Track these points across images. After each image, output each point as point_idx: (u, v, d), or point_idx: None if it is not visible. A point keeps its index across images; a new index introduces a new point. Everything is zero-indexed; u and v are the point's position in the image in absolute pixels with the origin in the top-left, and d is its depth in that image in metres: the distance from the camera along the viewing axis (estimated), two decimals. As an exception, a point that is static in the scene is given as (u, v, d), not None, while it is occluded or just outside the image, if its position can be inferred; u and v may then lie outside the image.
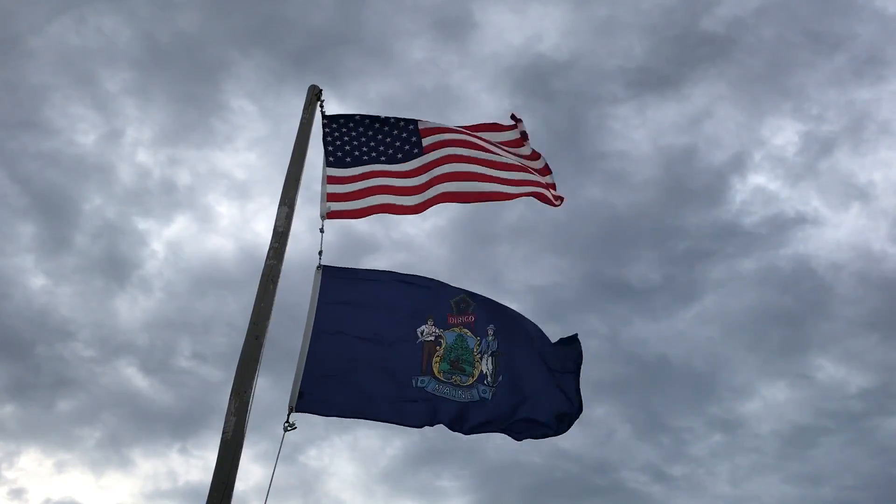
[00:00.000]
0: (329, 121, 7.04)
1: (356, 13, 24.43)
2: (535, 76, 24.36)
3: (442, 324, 6.12)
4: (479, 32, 25.33)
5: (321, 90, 7.09)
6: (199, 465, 20.98)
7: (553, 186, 7.27)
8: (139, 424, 21.97)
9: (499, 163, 7.07)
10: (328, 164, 6.84)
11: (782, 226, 25.26)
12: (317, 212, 6.52)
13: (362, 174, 6.83)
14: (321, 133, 6.97)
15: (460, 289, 6.33)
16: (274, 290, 5.62)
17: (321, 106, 7.04)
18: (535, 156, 7.37)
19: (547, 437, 6.15)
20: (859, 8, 26.21)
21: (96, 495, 21.62)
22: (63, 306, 21.99)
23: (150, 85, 24.08)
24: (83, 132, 22.62)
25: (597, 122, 24.63)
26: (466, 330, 6.13)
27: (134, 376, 22.15)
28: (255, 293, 5.59)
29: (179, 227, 24.95)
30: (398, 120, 7.15)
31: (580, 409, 6.13)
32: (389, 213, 6.78)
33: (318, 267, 6.09)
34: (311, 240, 6.31)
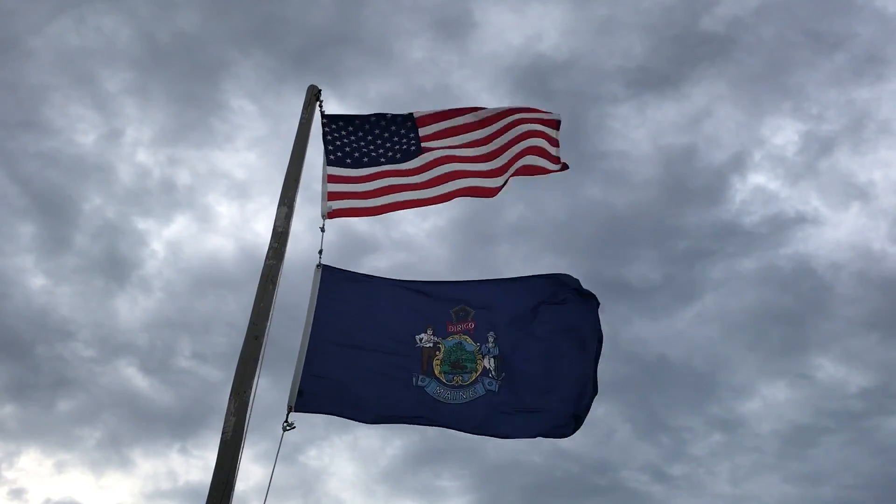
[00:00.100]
0: (328, 120, 7.05)
1: (356, 13, 24.45)
2: (535, 76, 24.36)
3: (441, 333, 6.07)
4: (479, 32, 25.36)
5: (320, 90, 7.09)
6: (200, 465, 21.01)
7: (557, 147, 7.02)
8: (139, 424, 22.00)
9: (488, 154, 7.03)
10: (328, 162, 6.84)
11: (782, 225, 25.29)
12: (317, 212, 6.53)
13: (369, 175, 6.84)
14: (321, 133, 6.98)
15: (460, 296, 6.25)
16: (273, 290, 5.62)
17: (320, 106, 7.05)
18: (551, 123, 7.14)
19: (565, 436, 5.96)
20: (859, 7, 26.24)
21: (96, 495, 21.65)
22: (63, 306, 22.01)
23: (149, 85, 24.11)
24: (83, 132, 22.66)
25: (597, 121, 24.64)
26: (466, 336, 6.08)
27: (134, 376, 22.18)
28: (255, 293, 5.60)
29: (179, 226, 24.97)
30: (395, 116, 7.15)
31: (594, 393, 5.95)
32: (405, 208, 6.78)
33: (317, 266, 6.10)
34: (310, 240, 6.32)
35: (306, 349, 5.71)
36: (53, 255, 22.37)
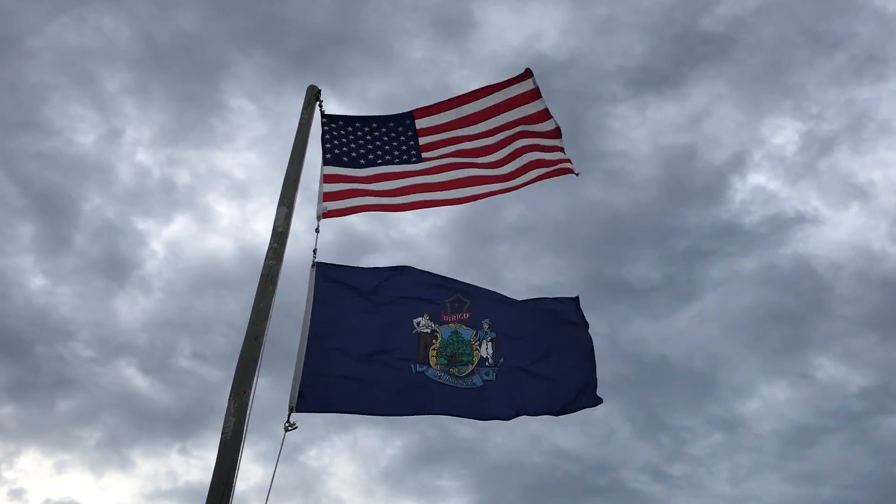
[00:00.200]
0: (328, 120, 7.06)
1: (355, 13, 24.44)
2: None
3: (437, 320, 6.14)
4: (479, 32, 25.33)
5: (320, 90, 7.10)
6: (200, 466, 21.00)
7: (562, 153, 7.04)
8: (139, 425, 21.98)
9: (499, 160, 7.05)
10: (325, 162, 6.85)
11: (782, 225, 25.27)
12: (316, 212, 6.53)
13: (361, 177, 6.84)
14: (320, 133, 6.99)
15: (455, 284, 6.34)
16: (273, 291, 5.62)
17: (320, 106, 7.06)
18: (544, 116, 7.21)
19: (568, 412, 6.00)
20: (859, 7, 26.21)
21: (96, 496, 21.63)
22: (63, 306, 22.00)
23: (149, 85, 24.09)
24: (82, 132, 22.63)
25: (596, 121, 24.62)
26: (462, 325, 6.15)
27: (134, 376, 22.17)
28: (255, 293, 5.59)
29: (179, 226, 24.94)
30: (395, 119, 7.16)
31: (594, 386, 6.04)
32: (380, 210, 6.80)
33: (312, 265, 6.11)
34: (310, 240, 6.31)
35: (305, 349, 5.71)
36: (53, 255, 22.39)
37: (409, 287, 6.29)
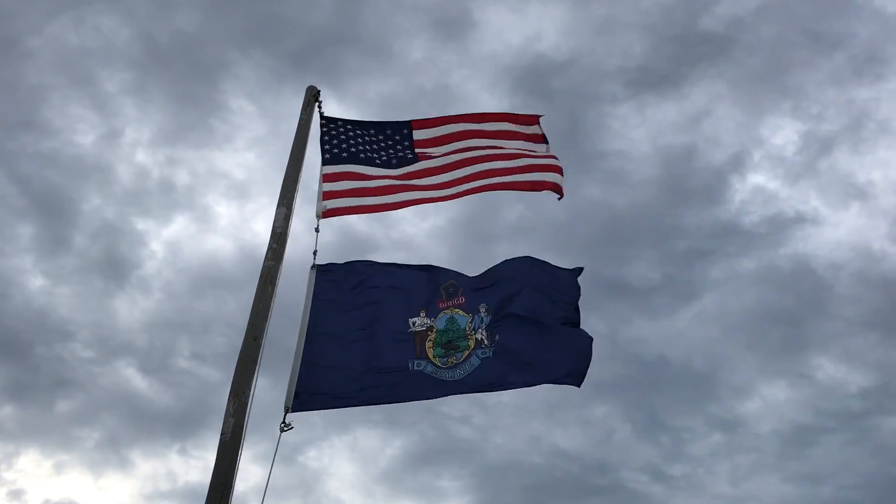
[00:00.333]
0: (327, 121, 7.07)
1: (355, 13, 24.44)
2: (535, 75, 24.32)
3: (433, 312, 6.16)
4: (479, 32, 25.33)
5: (319, 91, 7.11)
6: (199, 466, 20.99)
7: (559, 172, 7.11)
8: (138, 425, 21.98)
9: (500, 155, 7.06)
10: (324, 161, 6.86)
11: (782, 225, 25.27)
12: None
13: (357, 174, 6.85)
14: (319, 134, 7.00)
15: (450, 272, 6.35)
16: (272, 291, 5.62)
17: (319, 107, 7.07)
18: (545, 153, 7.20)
19: (560, 383, 5.95)
20: (858, 7, 26.22)
21: (95, 496, 21.62)
22: (62, 307, 21.99)
23: (148, 85, 24.08)
24: (82, 132, 22.63)
25: (596, 121, 24.64)
26: (458, 310, 6.16)
27: (133, 377, 22.17)
28: (254, 294, 5.59)
29: (178, 227, 24.92)
30: (393, 126, 7.19)
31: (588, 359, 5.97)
32: (379, 211, 6.82)
33: (312, 267, 6.11)
34: (310, 240, 6.32)
35: (302, 351, 5.72)
36: (52, 256, 22.38)
37: (406, 283, 6.30)
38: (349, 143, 7.04)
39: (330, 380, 5.74)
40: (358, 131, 7.15)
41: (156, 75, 23.94)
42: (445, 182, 6.93)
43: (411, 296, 6.24)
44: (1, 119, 21.59)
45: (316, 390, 5.62)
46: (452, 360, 5.94)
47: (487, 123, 7.27)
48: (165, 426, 21.86)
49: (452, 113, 7.35)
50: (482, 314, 6.15)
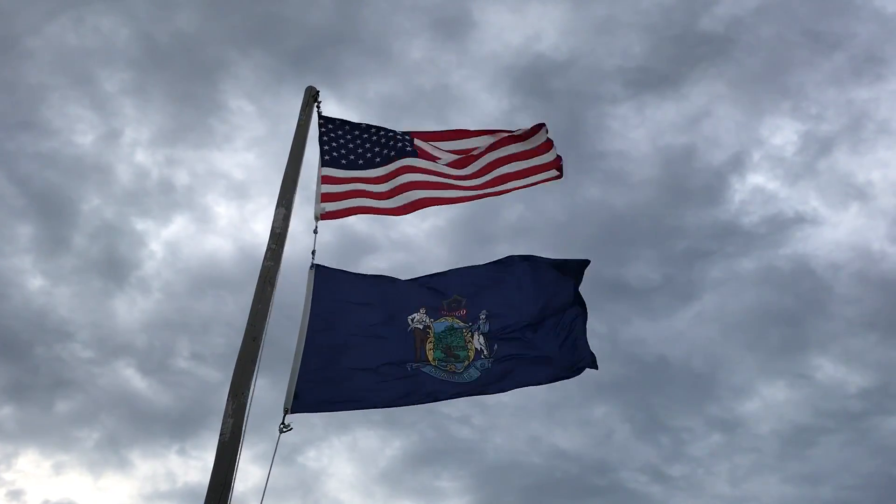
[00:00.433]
0: (326, 122, 7.06)
1: (355, 13, 24.43)
2: (534, 76, 24.32)
3: (433, 314, 6.18)
4: (478, 32, 25.33)
5: (318, 91, 7.10)
6: (198, 466, 20.99)
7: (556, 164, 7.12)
8: (138, 425, 21.99)
9: (502, 159, 7.08)
10: (324, 163, 6.85)
11: (781, 225, 25.27)
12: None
13: (355, 178, 6.86)
14: (318, 134, 6.99)
15: (453, 288, 6.36)
16: (271, 292, 5.61)
17: (318, 107, 7.06)
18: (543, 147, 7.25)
19: (558, 379, 6.08)
20: (858, 7, 26.23)
21: (95, 497, 21.62)
22: (61, 307, 21.99)
23: (148, 85, 24.08)
24: (81, 132, 22.63)
25: (596, 121, 24.63)
26: (458, 320, 6.19)
27: (132, 377, 22.16)
28: (253, 294, 5.59)
29: (178, 227, 24.92)
30: (394, 133, 7.19)
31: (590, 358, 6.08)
32: (378, 213, 6.83)
33: (311, 266, 6.11)
34: (309, 241, 6.31)
35: (301, 351, 5.71)
36: (52, 256, 22.36)
37: (405, 288, 6.33)
38: (349, 145, 7.04)
39: (330, 381, 5.73)
40: (357, 132, 7.15)
41: (155, 75, 23.97)
42: (445, 183, 6.92)
43: (412, 298, 6.26)
44: (0, 119, 21.60)
45: (315, 394, 5.61)
46: (452, 367, 5.95)
47: (494, 144, 7.26)
48: (165, 426, 21.88)
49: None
50: (481, 321, 6.18)
